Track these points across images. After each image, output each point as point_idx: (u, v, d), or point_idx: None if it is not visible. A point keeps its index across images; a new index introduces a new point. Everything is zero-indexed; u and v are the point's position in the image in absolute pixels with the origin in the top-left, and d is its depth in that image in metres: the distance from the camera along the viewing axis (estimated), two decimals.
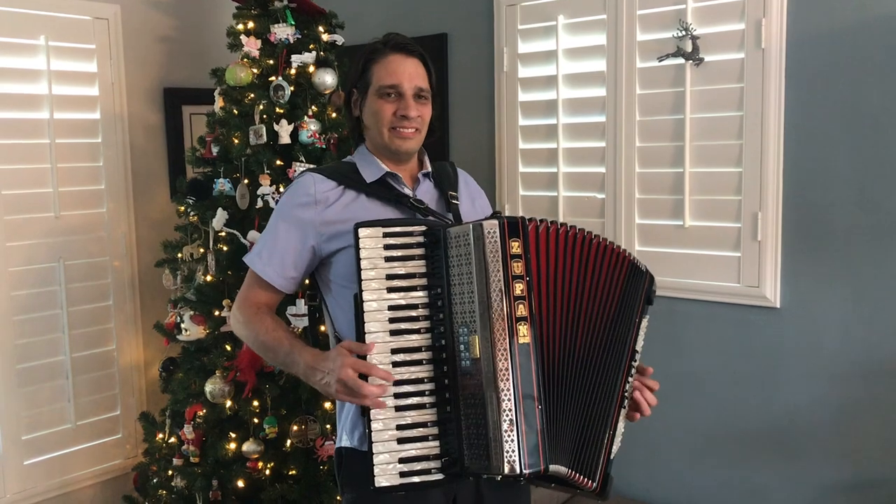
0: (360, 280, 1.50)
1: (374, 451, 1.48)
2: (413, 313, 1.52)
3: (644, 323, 1.65)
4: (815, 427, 2.52)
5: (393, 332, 1.51)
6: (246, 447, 2.71)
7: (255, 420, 2.75)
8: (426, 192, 1.77)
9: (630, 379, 1.62)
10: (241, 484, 2.72)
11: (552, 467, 1.47)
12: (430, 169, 1.80)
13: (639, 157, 2.78)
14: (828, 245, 2.46)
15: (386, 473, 1.47)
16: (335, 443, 1.80)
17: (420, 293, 1.53)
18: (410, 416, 1.50)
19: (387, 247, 1.52)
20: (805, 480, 2.55)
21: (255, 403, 2.73)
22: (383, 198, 1.70)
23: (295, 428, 2.71)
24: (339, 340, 1.65)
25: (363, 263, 1.51)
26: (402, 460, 1.48)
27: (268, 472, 2.74)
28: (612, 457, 1.58)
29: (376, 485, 1.47)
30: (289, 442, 2.73)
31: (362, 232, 1.51)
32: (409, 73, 1.68)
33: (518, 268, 1.48)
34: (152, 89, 3.48)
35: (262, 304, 1.72)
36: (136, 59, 3.39)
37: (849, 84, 2.39)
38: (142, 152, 3.44)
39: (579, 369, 1.56)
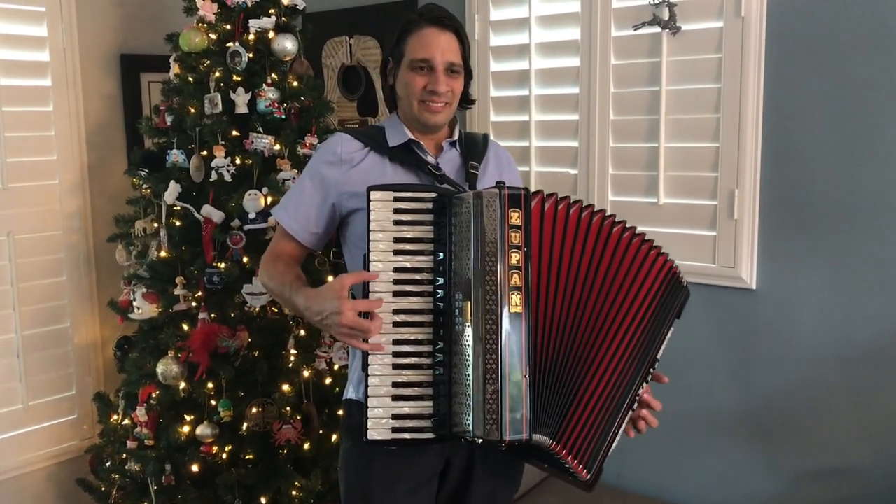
0: (368, 241, 1.55)
1: (368, 404, 1.53)
2: (417, 277, 1.57)
3: (669, 334, 1.67)
4: (791, 412, 2.44)
5: (396, 294, 1.56)
6: (200, 431, 2.59)
7: (213, 402, 2.64)
8: (449, 161, 1.80)
9: (645, 384, 1.66)
10: (195, 468, 2.62)
11: (535, 437, 1.50)
12: (456, 137, 1.83)
13: (613, 130, 2.66)
14: (807, 224, 2.36)
15: (378, 427, 1.53)
16: (343, 396, 1.84)
17: (426, 258, 1.57)
18: (406, 375, 1.55)
19: (396, 210, 1.57)
20: (780, 465, 2.48)
21: (210, 385, 2.61)
22: (405, 163, 1.75)
23: (253, 411, 2.61)
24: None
25: (372, 225, 1.56)
26: (395, 416, 1.54)
27: (224, 456, 2.63)
28: (609, 453, 1.61)
29: (368, 437, 1.52)
30: (245, 425, 2.62)
31: (374, 195, 1.56)
32: (442, 47, 1.70)
33: (516, 238, 1.50)
34: (108, 56, 3.31)
35: (282, 254, 1.79)
36: (90, 22, 3.21)
37: (831, 56, 2.27)
38: (97, 122, 3.29)
39: (586, 351, 1.57)
